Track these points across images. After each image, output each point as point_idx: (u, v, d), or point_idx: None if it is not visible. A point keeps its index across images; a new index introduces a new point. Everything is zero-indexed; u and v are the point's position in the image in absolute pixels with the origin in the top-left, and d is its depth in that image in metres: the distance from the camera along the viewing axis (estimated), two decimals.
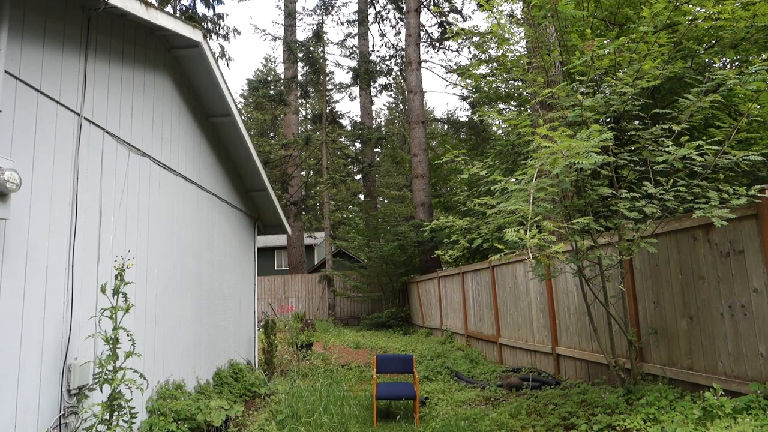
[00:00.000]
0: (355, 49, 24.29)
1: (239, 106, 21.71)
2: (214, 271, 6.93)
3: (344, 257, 25.75)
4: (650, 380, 5.21)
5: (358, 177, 28.95)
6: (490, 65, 10.44)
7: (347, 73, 29.26)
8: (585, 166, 4.19)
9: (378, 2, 24.56)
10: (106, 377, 3.62)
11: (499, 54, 7.19)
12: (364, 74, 21.74)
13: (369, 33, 23.68)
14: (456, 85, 19.93)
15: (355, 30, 24.05)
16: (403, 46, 21.07)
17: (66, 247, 3.71)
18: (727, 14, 5.10)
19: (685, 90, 5.78)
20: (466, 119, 21.65)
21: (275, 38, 22.80)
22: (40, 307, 3.41)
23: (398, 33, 29.36)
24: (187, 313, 5.87)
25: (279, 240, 30.28)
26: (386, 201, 34.41)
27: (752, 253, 4.11)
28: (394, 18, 25.82)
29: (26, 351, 3.26)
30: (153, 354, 4.97)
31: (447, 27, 21.57)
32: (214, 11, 22.07)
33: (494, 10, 6.13)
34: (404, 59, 20.16)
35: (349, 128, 24.49)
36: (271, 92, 21.00)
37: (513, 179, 5.00)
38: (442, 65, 28.12)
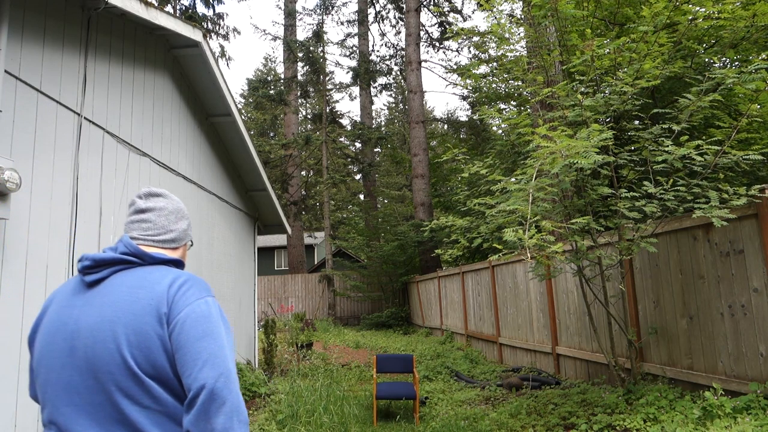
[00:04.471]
0: (355, 48, 24.29)
1: (239, 106, 21.71)
2: (213, 270, 6.93)
3: (344, 257, 25.75)
4: (650, 380, 5.21)
5: (358, 177, 28.95)
6: (490, 65, 10.44)
7: (347, 72, 29.28)
8: (584, 166, 4.19)
9: (378, 2, 24.56)
10: None
11: (499, 54, 7.19)
12: (364, 74, 21.74)
13: (369, 33, 23.67)
14: (456, 84, 19.94)
15: (355, 30, 24.04)
16: (403, 46, 21.07)
17: (66, 247, 3.71)
18: (726, 14, 5.10)
19: (685, 90, 5.78)
20: (466, 119, 21.65)
21: (275, 38, 22.81)
22: (40, 307, 3.41)
23: (398, 33, 29.36)
24: None
25: (279, 240, 30.27)
26: (386, 201, 34.41)
27: (752, 253, 4.11)
28: (394, 18, 25.84)
29: (26, 351, 3.26)
30: None
31: (447, 27, 21.57)
32: (214, 11, 22.07)
33: (494, 9, 6.13)
34: (404, 59, 20.16)
35: (349, 128, 24.48)
36: (271, 92, 20.99)
37: (513, 179, 5.00)
38: (442, 65, 28.12)
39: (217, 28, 22.24)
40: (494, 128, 18.53)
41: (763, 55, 6.58)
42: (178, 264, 1.41)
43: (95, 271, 1.31)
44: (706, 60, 6.93)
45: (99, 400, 1.20)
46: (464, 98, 20.12)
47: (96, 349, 1.21)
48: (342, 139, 29.00)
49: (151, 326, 1.21)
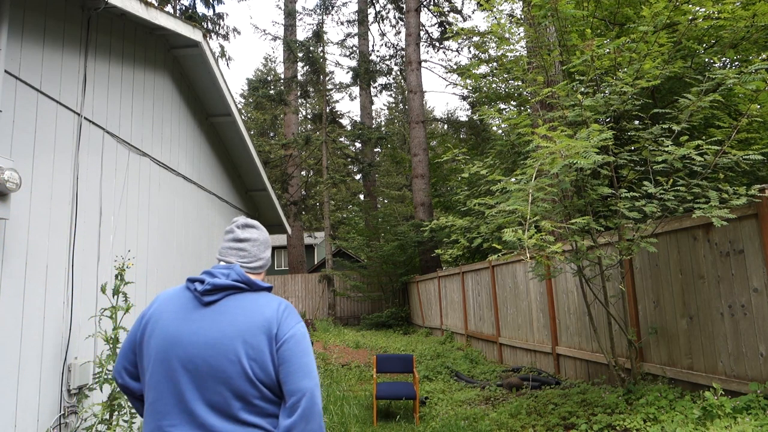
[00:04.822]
0: (355, 48, 24.28)
1: (239, 106, 21.70)
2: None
3: (344, 257, 25.74)
4: (650, 380, 5.21)
5: (358, 177, 28.95)
6: (490, 65, 10.44)
7: (347, 72, 29.25)
8: (584, 166, 4.19)
9: (378, 2, 24.56)
10: (106, 377, 3.62)
11: (499, 54, 7.20)
12: (364, 74, 21.74)
13: (369, 33, 23.67)
14: (456, 85, 19.94)
15: (355, 30, 24.04)
16: (403, 46, 21.06)
17: (66, 247, 3.71)
18: (726, 14, 5.10)
19: (685, 90, 5.78)
20: (466, 119, 21.64)
21: (275, 38, 22.80)
22: (40, 307, 3.41)
23: (398, 33, 29.37)
24: None
25: (279, 240, 30.28)
26: (386, 201, 34.41)
27: (752, 253, 4.11)
28: (394, 18, 25.83)
29: (26, 351, 3.26)
30: None
31: (447, 27, 21.56)
32: (214, 11, 22.07)
33: (494, 9, 6.13)
34: (404, 59, 20.16)
35: (349, 128, 24.48)
36: (271, 92, 21.00)
37: (513, 179, 5.00)
38: (442, 65, 28.15)
39: (217, 28, 22.24)
40: (494, 128, 18.53)
41: (763, 55, 6.58)
42: (270, 290, 1.72)
43: (213, 293, 1.60)
44: (706, 60, 6.93)
45: (215, 398, 1.50)
46: (464, 98, 20.12)
47: (218, 358, 1.51)
48: (342, 139, 28.99)
49: (264, 343, 1.54)
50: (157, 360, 1.56)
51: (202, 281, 1.62)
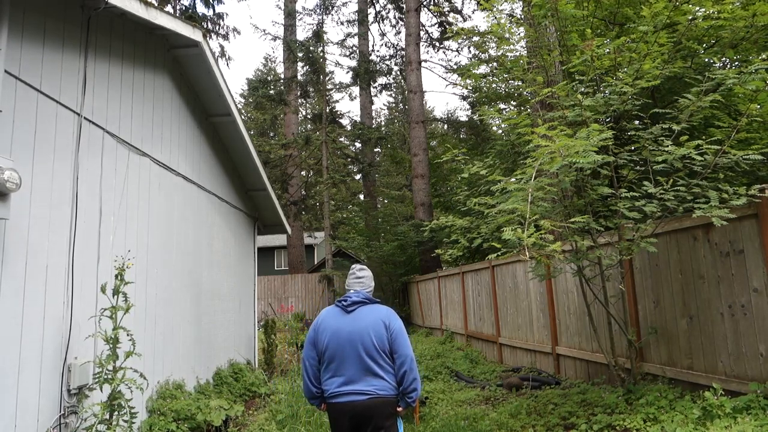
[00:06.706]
0: (355, 48, 24.27)
1: (239, 106, 21.70)
2: (213, 270, 6.93)
3: (344, 257, 25.70)
4: (650, 380, 5.21)
5: (358, 177, 28.94)
6: (490, 65, 10.44)
7: (347, 72, 29.22)
8: (584, 166, 4.20)
9: (378, 2, 24.55)
10: (106, 377, 3.62)
11: (499, 54, 7.19)
12: (364, 74, 21.73)
13: (369, 33, 23.66)
14: (456, 84, 19.95)
15: (355, 30, 24.02)
16: (403, 46, 21.05)
17: (66, 247, 3.71)
18: (726, 14, 5.10)
19: (685, 90, 5.77)
20: (466, 119, 21.65)
21: (275, 38, 22.78)
22: (40, 307, 3.41)
23: (398, 33, 29.36)
24: (186, 312, 5.88)
25: (279, 240, 30.26)
26: (386, 201, 34.37)
27: (752, 253, 4.11)
28: (394, 18, 25.80)
29: (26, 351, 3.26)
30: (153, 354, 4.97)
31: (447, 27, 21.55)
32: (213, 11, 22.08)
33: (494, 9, 6.12)
34: (404, 59, 20.15)
35: (349, 128, 24.48)
36: (271, 92, 21.00)
37: (513, 179, 5.00)
38: (442, 65, 28.18)
39: (217, 28, 22.25)
40: (494, 128, 18.53)
41: (763, 55, 6.58)
42: (379, 302, 3.06)
43: (352, 306, 2.97)
44: (706, 60, 6.93)
45: (360, 361, 2.87)
46: (464, 98, 20.11)
47: (359, 339, 2.88)
48: (342, 139, 28.98)
49: (382, 329, 2.91)
50: (329, 343, 2.93)
51: (346, 300, 2.99)
